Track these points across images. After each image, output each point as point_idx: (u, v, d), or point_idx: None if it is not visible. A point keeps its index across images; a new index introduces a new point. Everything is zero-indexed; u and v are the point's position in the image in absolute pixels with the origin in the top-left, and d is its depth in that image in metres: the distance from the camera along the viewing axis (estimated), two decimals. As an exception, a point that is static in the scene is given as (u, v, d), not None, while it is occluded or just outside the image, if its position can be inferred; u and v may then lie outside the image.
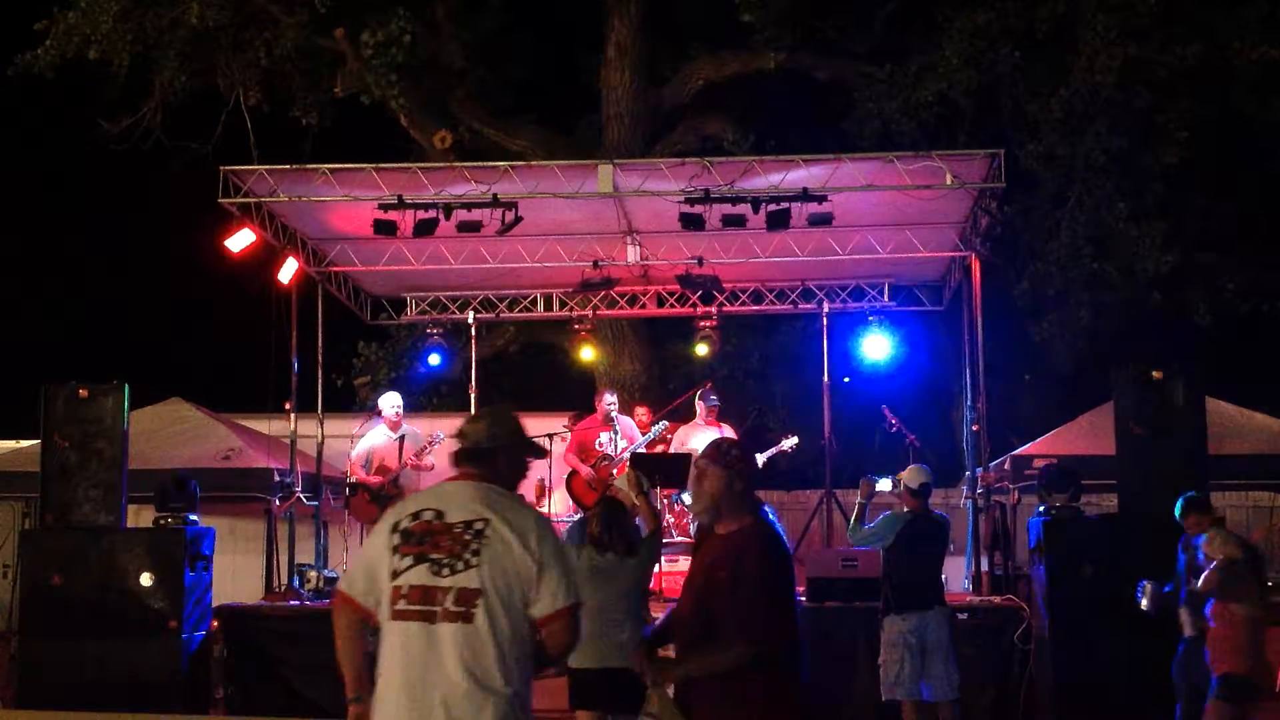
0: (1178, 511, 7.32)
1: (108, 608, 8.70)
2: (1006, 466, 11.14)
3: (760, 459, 10.63)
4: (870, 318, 12.12)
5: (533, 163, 10.21)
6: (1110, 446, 8.99)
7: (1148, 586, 7.19)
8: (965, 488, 10.97)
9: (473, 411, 12.04)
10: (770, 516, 4.17)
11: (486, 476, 3.69)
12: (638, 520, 6.68)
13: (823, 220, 9.77)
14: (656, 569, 8.26)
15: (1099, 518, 9.42)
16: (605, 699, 6.17)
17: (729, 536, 4.11)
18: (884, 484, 8.91)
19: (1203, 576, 6.55)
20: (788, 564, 4.14)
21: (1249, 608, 6.44)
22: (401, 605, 3.51)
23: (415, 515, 3.61)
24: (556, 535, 3.67)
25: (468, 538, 3.52)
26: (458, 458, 3.77)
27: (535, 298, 12.86)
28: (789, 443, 11.27)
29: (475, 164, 10.21)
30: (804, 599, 8.71)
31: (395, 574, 3.54)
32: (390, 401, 11.28)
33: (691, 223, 9.73)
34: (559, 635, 3.56)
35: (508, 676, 3.46)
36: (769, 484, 12.85)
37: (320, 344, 11.79)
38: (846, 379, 15.23)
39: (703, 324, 12.39)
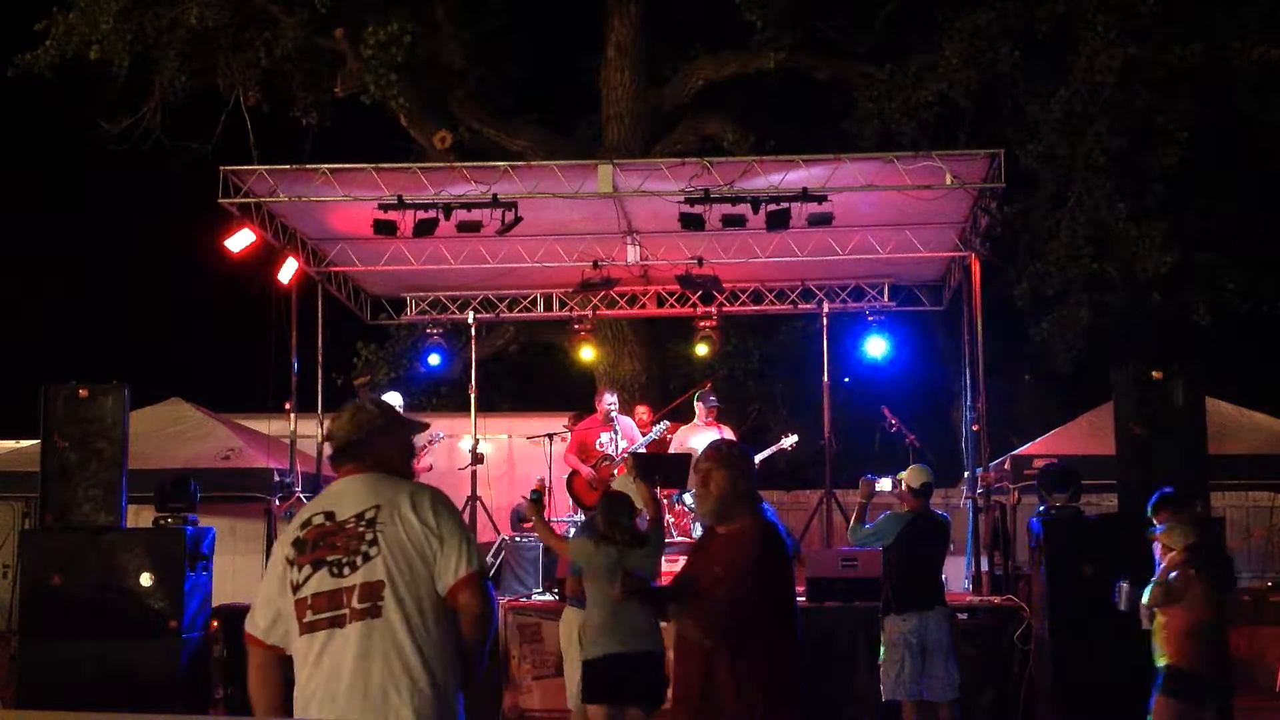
0: (1149, 509, 7.23)
1: (108, 608, 8.66)
2: (1006, 466, 11.13)
3: (759, 457, 10.62)
4: (870, 318, 12.13)
5: (533, 163, 10.21)
6: (1110, 446, 8.97)
7: (1124, 586, 7.16)
8: (965, 488, 10.98)
9: (471, 412, 12.08)
10: (772, 516, 4.19)
11: (371, 466, 3.54)
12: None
13: (822, 220, 9.77)
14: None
15: (1099, 518, 9.39)
16: (617, 688, 6.15)
17: (729, 535, 4.13)
18: (884, 484, 8.91)
19: (1148, 589, 6.46)
20: (785, 562, 4.16)
21: (1192, 610, 6.34)
22: (309, 617, 3.33)
23: (306, 523, 3.46)
24: (454, 508, 3.54)
25: (361, 529, 3.37)
26: (335, 460, 3.62)
27: (535, 298, 12.85)
28: (788, 441, 11.26)
29: (475, 164, 10.22)
30: (804, 599, 8.71)
31: (296, 588, 3.36)
32: (391, 402, 11.27)
33: (691, 223, 9.73)
34: (470, 604, 3.38)
35: (429, 667, 3.31)
36: (769, 484, 12.83)
37: (320, 344, 11.80)
38: (846, 379, 15.25)
39: (703, 324, 12.39)
